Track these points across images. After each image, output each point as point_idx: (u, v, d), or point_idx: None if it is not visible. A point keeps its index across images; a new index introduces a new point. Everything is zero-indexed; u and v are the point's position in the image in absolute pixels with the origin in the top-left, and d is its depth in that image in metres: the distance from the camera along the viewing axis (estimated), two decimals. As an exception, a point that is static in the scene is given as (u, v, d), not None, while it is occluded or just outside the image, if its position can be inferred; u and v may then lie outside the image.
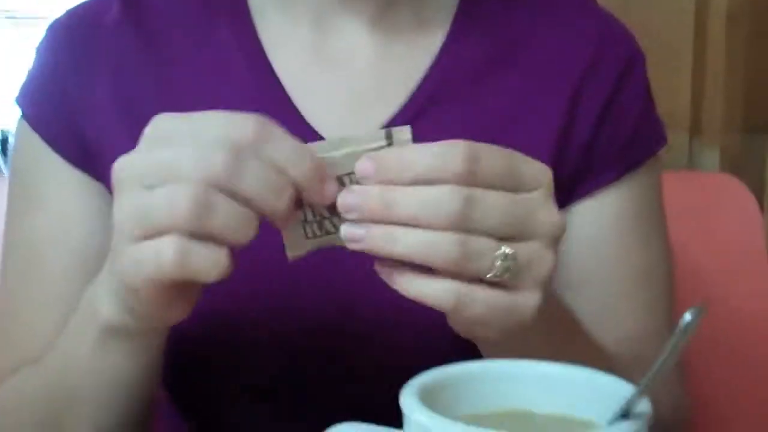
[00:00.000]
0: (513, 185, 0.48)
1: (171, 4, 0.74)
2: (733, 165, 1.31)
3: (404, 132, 0.51)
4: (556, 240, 0.49)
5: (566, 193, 0.71)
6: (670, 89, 1.30)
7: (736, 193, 1.18)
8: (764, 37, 1.21)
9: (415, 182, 0.47)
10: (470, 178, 0.47)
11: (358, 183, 0.48)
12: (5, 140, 3.17)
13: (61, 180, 0.72)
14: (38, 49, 0.75)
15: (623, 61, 0.74)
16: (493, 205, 0.47)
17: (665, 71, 1.29)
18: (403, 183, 0.47)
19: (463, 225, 0.47)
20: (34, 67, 0.75)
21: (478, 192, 0.47)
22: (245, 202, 0.45)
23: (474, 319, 0.49)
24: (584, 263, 0.72)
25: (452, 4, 0.74)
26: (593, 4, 0.78)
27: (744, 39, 1.26)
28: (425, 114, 0.69)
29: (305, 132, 0.66)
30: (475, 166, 0.47)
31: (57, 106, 0.72)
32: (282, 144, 0.47)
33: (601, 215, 0.73)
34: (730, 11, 1.28)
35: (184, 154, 0.46)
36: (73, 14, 0.74)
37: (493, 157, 0.48)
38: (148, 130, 0.49)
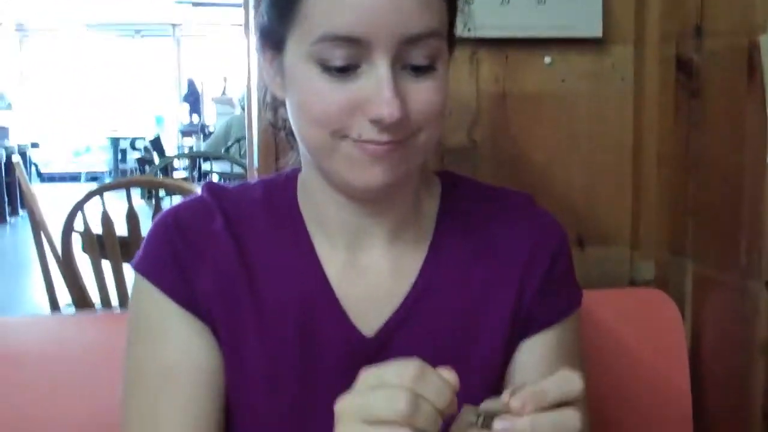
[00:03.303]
0: None
1: (249, 216, 0.98)
2: (663, 275, 1.55)
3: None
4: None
5: (519, 338, 0.98)
6: (615, 214, 1.56)
7: (664, 304, 1.43)
8: (686, 175, 1.47)
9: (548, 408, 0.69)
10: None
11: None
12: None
13: (182, 322, 0.94)
14: (154, 233, 0.97)
15: (554, 248, 1.00)
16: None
17: (610, 199, 1.56)
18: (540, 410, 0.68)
19: None
20: (151, 245, 0.97)
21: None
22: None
23: None
24: (527, 378, 0.95)
25: (433, 220, 1.01)
26: (531, 205, 1.04)
27: (669, 177, 1.52)
28: (421, 301, 0.96)
29: (345, 324, 0.94)
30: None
31: (176, 273, 0.94)
32: (436, 386, 0.67)
33: (541, 346, 0.99)
34: (659, 153, 1.54)
35: (380, 401, 0.66)
36: (182, 213, 0.98)
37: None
38: (360, 379, 0.70)
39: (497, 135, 1.52)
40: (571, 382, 0.71)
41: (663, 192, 1.54)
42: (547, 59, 1.51)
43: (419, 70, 0.86)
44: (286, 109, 0.96)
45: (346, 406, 0.69)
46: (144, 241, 0.98)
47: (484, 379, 0.97)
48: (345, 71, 0.84)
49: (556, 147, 1.54)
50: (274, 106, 1.04)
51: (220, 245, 0.96)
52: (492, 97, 1.51)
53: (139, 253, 0.98)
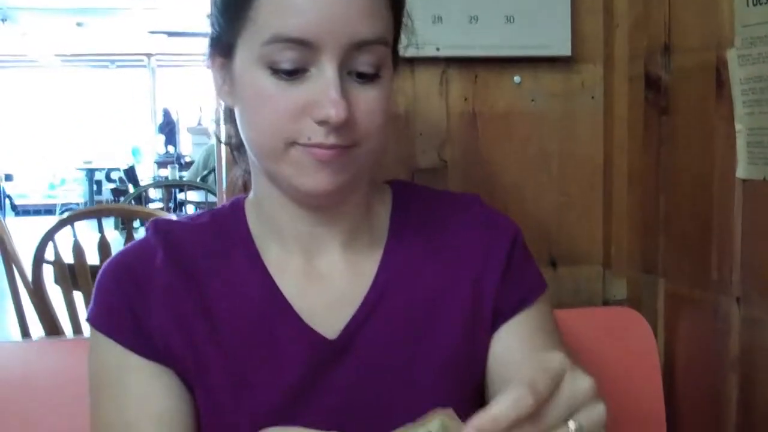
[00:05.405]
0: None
1: (194, 243, 0.99)
2: (636, 294, 1.55)
3: (451, 415, 0.66)
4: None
5: (489, 330, 1.00)
6: (587, 233, 1.56)
7: (636, 323, 1.43)
8: (656, 192, 1.46)
9: None
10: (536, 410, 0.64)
11: None
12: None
13: (140, 371, 0.93)
14: (102, 282, 0.97)
15: (508, 242, 1.02)
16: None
17: (582, 219, 1.56)
18: None
19: None
20: (102, 296, 0.97)
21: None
22: None
23: None
24: (511, 363, 0.98)
25: (386, 225, 1.03)
26: (480, 204, 1.06)
27: (640, 195, 1.52)
28: (380, 300, 0.97)
29: (305, 330, 0.94)
30: (539, 398, 0.64)
31: (129, 320, 0.94)
32: None
33: (515, 332, 1.00)
34: (630, 172, 1.54)
35: None
36: (126, 257, 0.99)
37: (546, 384, 0.65)
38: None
39: (468, 155, 1.51)
40: (521, 400, 0.64)
41: (634, 210, 1.54)
42: (517, 78, 1.52)
43: (364, 78, 0.89)
44: (231, 123, 0.99)
45: None
46: (93, 291, 0.99)
47: (445, 372, 0.98)
48: (293, 74, 0.87)
49: (527, 166, 1.54)
50: (217, 120, 1.07)
51: (164, 277, 0.96)
52: (462, 116, 1.51)
53: (90, 305, 0.98)
